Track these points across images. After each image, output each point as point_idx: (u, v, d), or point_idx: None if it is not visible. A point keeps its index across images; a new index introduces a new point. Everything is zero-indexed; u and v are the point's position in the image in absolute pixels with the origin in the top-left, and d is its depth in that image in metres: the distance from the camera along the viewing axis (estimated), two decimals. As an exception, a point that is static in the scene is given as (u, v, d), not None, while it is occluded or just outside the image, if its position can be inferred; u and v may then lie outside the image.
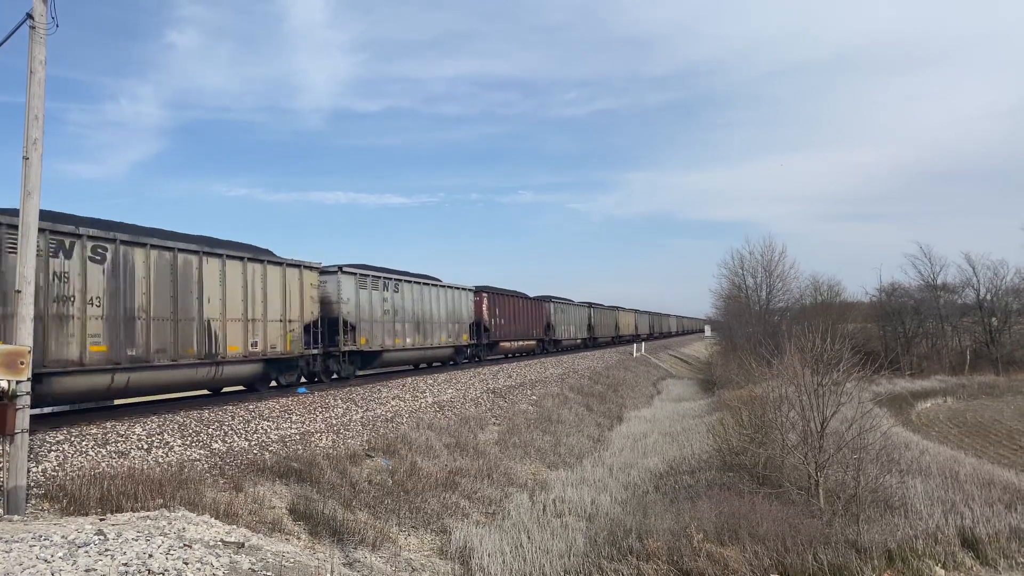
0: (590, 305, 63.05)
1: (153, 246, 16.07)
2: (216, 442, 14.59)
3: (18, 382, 9.31)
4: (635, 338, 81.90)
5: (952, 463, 20.94)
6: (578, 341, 57.85)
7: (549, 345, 48.86)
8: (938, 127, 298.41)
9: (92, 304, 14.49)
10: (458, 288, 33.68)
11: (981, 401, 51.55)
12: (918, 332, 71.14)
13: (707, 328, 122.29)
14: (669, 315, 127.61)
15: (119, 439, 13.19)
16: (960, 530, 13.69)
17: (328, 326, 22.93)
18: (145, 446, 13.27)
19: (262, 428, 16.26)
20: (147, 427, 14.19)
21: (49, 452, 11.80)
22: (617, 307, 76.29)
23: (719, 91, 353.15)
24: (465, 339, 34.28)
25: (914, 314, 70.62)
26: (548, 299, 48.32)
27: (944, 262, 73.61)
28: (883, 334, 69.39)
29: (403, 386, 24.54)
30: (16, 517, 9.18)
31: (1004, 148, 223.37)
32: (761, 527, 12.16)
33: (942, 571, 12.26)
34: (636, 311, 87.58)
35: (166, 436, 14.05)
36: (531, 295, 47.26)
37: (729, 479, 17.30)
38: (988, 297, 71.17)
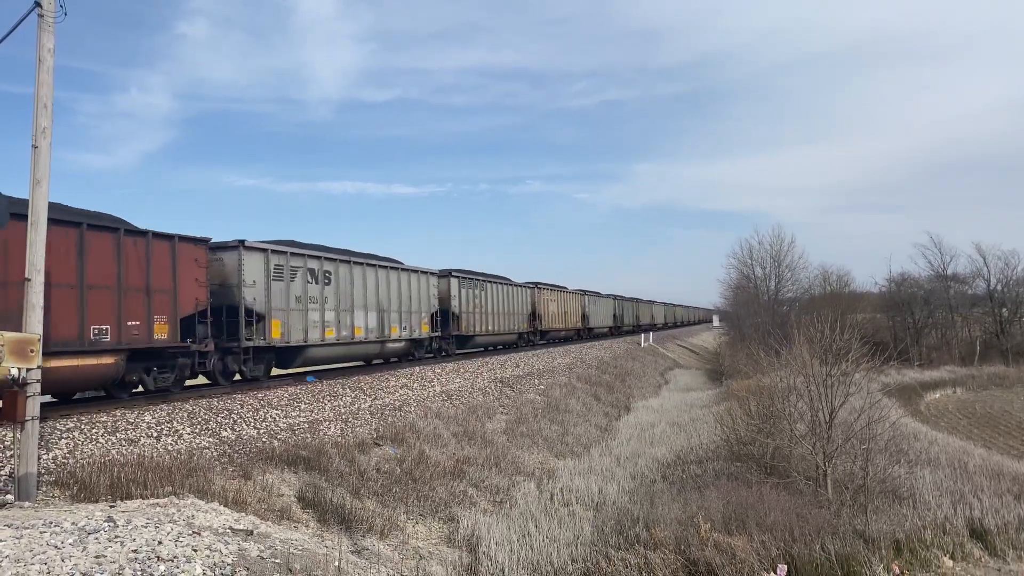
0: (449, 274, 32.04)
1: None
2: (225, 430, 14.66)
3: (28, 370, 9.35)
4: (582, 333, 56.67)
5: (961, 454, 20.88)
6: (397, 344, 26.85)
7: (241, 366, 18.87)
8: (948, 118, 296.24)
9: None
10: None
11: (991, 392, 51.38)
12: (927, 323, 70.76)
13: (715, 318, 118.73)
14: (653, 302, 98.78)
15: (129, 427, 13.26)
16: (969, 521, 13.65)
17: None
18: (155, 434, 13.34)
19: (271, 416, 16.32)
20: (156, 415, 14.26)
21: (59, 439, 11.88)
22: (538, 284, 44.97)
23: (728, 83, 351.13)
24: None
25: (924, 304, 70.24)
26: (282, 248, 20.33)
27: (954, 252, 73.09)
28: (892, 324, 69.04)
29: (411, 375, 24.59)
30: (27, 503, 9.25)
31: (1015, 138, 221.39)
32: (769, 517, 12.14)
33: (950, 562, 12.22)
34: (584, 293, 58.58)
35: (175, 424, 14.12)
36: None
37: (737, 469, 17.29)
38: (999, 287, 70.77)
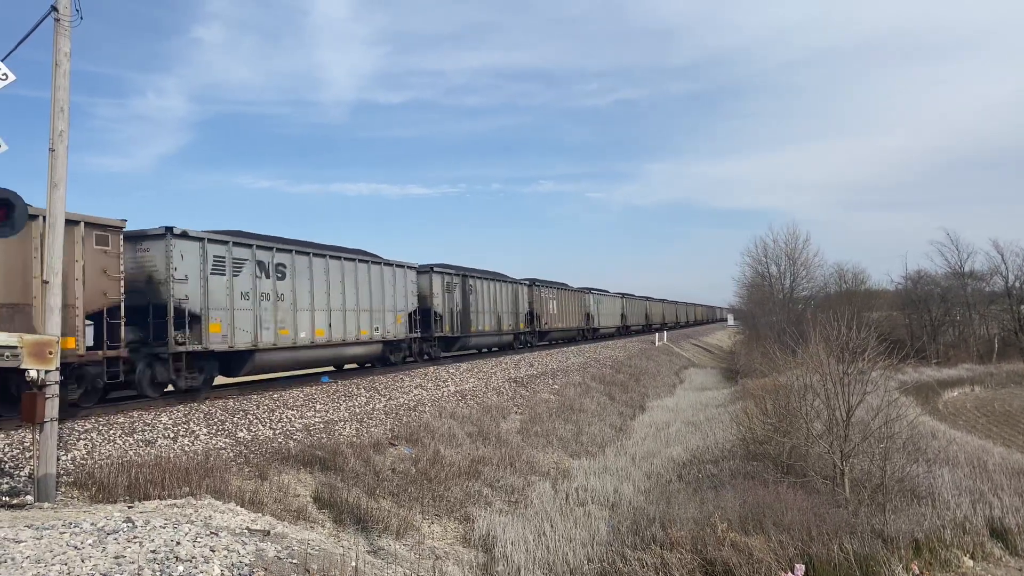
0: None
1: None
2: (241, 431, 14.73)
3: (47, 372, 9.42)
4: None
5: (980, 452, 20.67)
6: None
7: None
8: (964, 113, 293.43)
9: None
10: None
11: (1009, 390, 50.74)
12: (945, 320, 70.10)
13: (729, 316, 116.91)
14: (605, 293, 62.24)
15: (146, 428, 13.35)
16: (989, 520, 13.51)
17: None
18: (171, 435, 13.42)
19: (286, 417, 16.38)
20: (173, 416, 14.35)
21: (78, 440, 11.97)
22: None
23: (741, 81, 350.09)
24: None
25: (941, 302, 69.58)
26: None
27: (971, 249, 72.26)
28: (909, 322, 68.45)
29: (425, 375, 24.62)
30: (46, 504, 9.32)
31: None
32: (786, 516, 12.05)
33: (970, 561, 12.11)
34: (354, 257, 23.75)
35: (192, 425, 14.20)
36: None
37: (753, 468, 17.18)
38: (1017, 284, 69.87)
